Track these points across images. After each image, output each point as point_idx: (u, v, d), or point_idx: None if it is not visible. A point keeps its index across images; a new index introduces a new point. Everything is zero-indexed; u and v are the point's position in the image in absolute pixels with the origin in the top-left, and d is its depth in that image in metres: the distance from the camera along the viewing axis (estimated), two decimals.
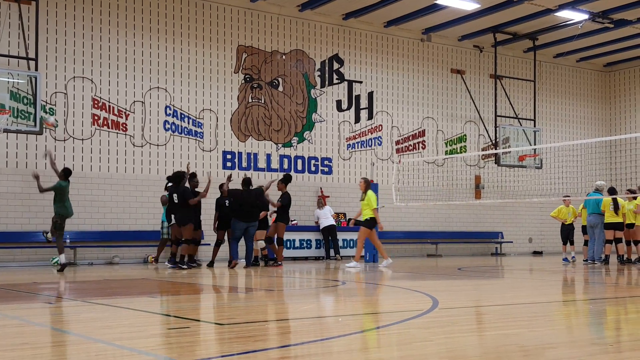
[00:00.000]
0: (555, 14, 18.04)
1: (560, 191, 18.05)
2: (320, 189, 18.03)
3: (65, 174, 12.18)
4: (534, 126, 20.92)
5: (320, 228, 16.82)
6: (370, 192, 13.42)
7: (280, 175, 15.41)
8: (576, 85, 23.29)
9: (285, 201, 13.99)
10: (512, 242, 20.82)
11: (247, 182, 13.52)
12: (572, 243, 15.54)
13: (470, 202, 19.70)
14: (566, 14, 18.11)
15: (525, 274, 12.49)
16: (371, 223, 13.36)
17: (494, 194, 20.40)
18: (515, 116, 20.77)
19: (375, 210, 13.28)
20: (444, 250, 19.68)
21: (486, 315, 6.27)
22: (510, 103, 20.84)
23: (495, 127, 20.15)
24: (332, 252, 16.79)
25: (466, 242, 20.31)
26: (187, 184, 13.26)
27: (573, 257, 15.55)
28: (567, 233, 15.49)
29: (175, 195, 12.84)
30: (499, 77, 20.68)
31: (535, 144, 19.88)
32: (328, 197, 17.90)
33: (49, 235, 12.09)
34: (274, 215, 14.45)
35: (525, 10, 17.97)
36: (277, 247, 14.01)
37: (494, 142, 20.27)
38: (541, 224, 21.27)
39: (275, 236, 14.05)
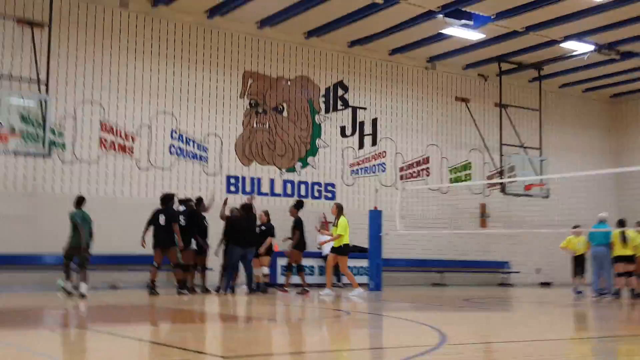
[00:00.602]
0: (560, 44, 18.16)
1: (568, 222, 17.90)
2: (323, 214, 18.00)
3: (76, 202, 12.11)
4: (540, 155, 20.93)
5: (322, 254, 16.75)
6: (342, 218, 13.23)
7: (289, 200, 15.44)
8: (582, 115, 23.31)
9: (299, 226, 13.97)
10: (519, 272, 20.61)
11: (245, 207, 13.56)
12: (582, 275, 15.37)
13: (476, 231, 19.60)
14: (572, 45, 18.22)
15: (535, 307, 12.36)
16: (344, 250, 13.18)
17: (500, 222, 20.31)
18: (521, 145, 20.79)
19: (339, 236, 13.08)
20: (449, 279, 19.53)
21: (498, 353, 6.20)
22: (516, 132, 20.88)
23: (501, 155, 20.18)
24: (334, 279, 16.71)
25: (472, 271, 20.14)
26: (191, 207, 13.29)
27: (579, 291, 15.25)
28: (578, 264, 15.34)
29: (162, 217, 12.72)
30: (504, 105, 20.76)
31: (541, 174, 19.86)
32: (331, 222, 17.85)
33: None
34: (275, 242, 14.38)
35: (530, 40, 18.10)
36: (290, 273, 14.05)
37: (499, 170, 20.27)
38: (549, 254, 21.08)
39: (288, 262, 14.10)
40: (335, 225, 13.29)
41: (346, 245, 13.15)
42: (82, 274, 11.81)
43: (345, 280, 16.79)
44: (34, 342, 6.43)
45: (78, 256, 11.85)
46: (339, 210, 13.36)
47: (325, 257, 16.62)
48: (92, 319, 8.51)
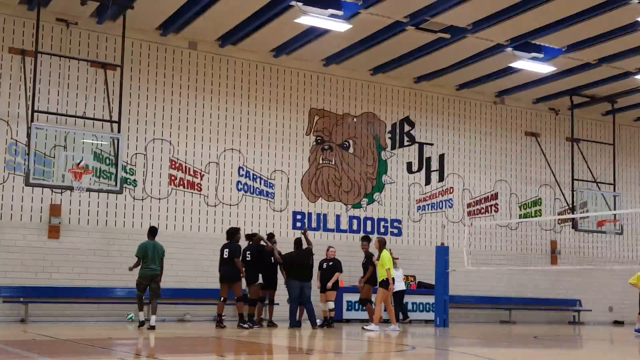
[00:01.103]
0: (635, 76, 17.58)
1: None
2: (390, 250, 17.78)
3: (149, 232, 12.66)
4: (614, 190, 20.14)
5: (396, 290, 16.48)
6: (384, 252, 13.16)
7: (354, 236, 15.43)
8: None
9: (372, 262, 13.87)
10: (591, 310, 19.76)
11: (297, 242, 13.69)
12: None
13: (547, 268, 18.94)
14: None
15: (604, 345, 11.77)
16: (386, 284, 13.02)
17: (571, 259, 19.56)
18: (593, 180, 20.09)
19: (389, 271, 12.96)
20: (518, 316, 18.88)
21: None
22: (588, 167, 20.21)
23: (572, 191, 19.51)
24: (400, 316, 16.42)
25: (542, 309, 19.42)
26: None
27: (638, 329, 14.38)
28: None
29: (226, 251, 12.95)
30: (575, 140, 20.17)
31: (615, 209, 19.09)
32: (398, 259, 17.63)
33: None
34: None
35: (603, 73, 17.60)
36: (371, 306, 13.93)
37: (570, 206, 19.61)
38: (622, 291, 20.07)
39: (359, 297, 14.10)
40: (378, 259, 13.20)
41: (386, 279, 13.04)
42: (153, 306, 12.01)
43: (413, 317, 16.45)
44: None
45: (149, 287, 12.12)
46: (382, 244, 13.28)
47: (398, 292, 16.35)
48: (161, 350, 8.62)
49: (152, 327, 11.92)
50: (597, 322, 19.89)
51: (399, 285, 16.32)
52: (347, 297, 16.34)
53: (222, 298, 12.99)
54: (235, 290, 12.90)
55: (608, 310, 20.28)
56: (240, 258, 13.16)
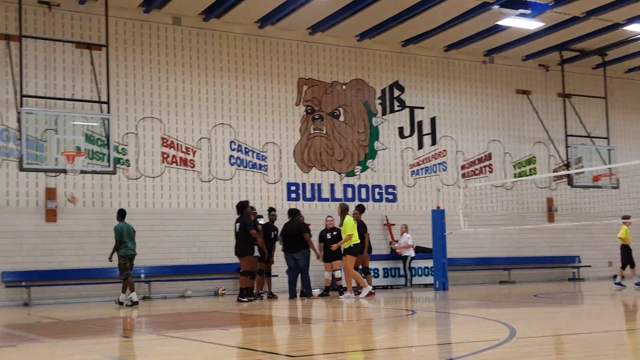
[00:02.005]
0: (624, 28, 17.45)
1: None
2: (386, 217, 17.87)
3: (120, 215, 12.76)
4: (608, 144, 20.15)
5: (402, 255, 16.52)
6: (347, 218, 12.93)
7: (350, 205, 15.42)
8: None
9: (363, 230, 13.88)
10: (590, 266, 19.92)
11: (291, 212, 13.75)
12: (632, 266, 14.74)
13: (544, 226, 19.04)
14: (636, 28, 17.48)
15: (606, 300, 11.91)
16: (355, 250, 12.82)
17: (568, 216, 19.65)
18: (587, 135, 20.08)
19: (349, 237, 12.71)
20: (517, 276, 19.05)
21: (568, 345, 5.98)
22: (581, 122, 20.18)
23: (567, 147, 19.53)
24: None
25: (541, 267, 19.59)
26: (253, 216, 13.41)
27: (618, 282, 14.54)
28: (629, 256, 14.73)
29: (237, 225, 12.94)
30: (567, 95, 20.11)
31: (610, 163, 19.12)
32: (394, 224, 17.72)
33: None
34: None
35: (592, 26, 17.47)
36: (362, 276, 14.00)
37: (565, 162, 19.63)
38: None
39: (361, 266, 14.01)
40: (341, 225, 13.02)
41: (356, 245, 12.87)
42: (131, 284, 12.48)
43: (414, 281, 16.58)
44: (108, 348, 6.61)
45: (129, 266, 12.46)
46: (344, 210, 13.03)
47: (404, 259, 16.47)
48: (164, 326, 8.68)
49: (136, 303, 12.33)
50: (597, 277, 20.07)
51: (410, 252, 16.37)
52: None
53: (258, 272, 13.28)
54: (241, 263, 12.95)
55: (607, 265, 20.44)
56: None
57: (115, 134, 14.65)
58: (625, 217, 15.03)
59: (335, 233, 13.64)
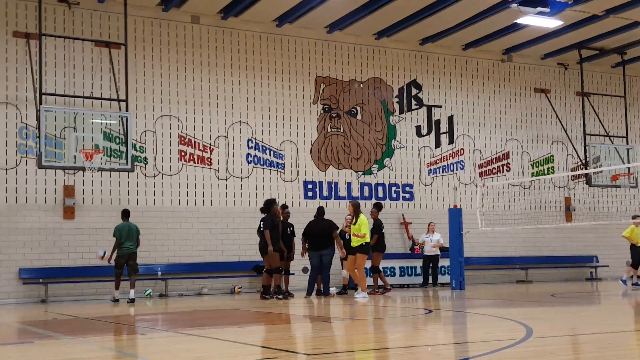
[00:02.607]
0: None
1: None
2: (402, 215, 17.84)
3: (123, 215, 13.26)
4: (627, 143, 19.95)
5: (425, 254, 16.31)
6: (362, 216, 12.56)
7: (366, 203, 15.42)
8: None
9: (379, 229, 13.85)
10: (608, 266, 19.75)
11: (319, 210, 13.67)
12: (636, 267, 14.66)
13: (561, 225, 18.88)
14: None
15: (624, 300, 11.80)
16: (366, 248, 12.53)
17: (586, 215, 19.47)
18: (605, 134, 19.89)
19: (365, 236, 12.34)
20: (534, 275, 18.93)
21: (584, 345, 5.94)
22: (600, 120, 19.99)
23: (585, 146, 19.35)
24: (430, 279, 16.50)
25: (558, 266, 19.45)
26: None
27: (634, 283, 14.49)
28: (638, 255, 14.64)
29: (261, 223, 13.04)
30: (586, 94, 19.93)
31: (628, 162, 18.92)
32: (410, 223, 17.68)
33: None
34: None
35: (611, 24, 17.29)
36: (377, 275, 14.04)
37: (583, 162, 19.46)
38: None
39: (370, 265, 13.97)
40: (355, 223, 12.54)
41: (367, 243, 12.58)
42: (132, 281, 12.98)
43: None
44: (125, 345, 6.67)
45: (127, 264, 13.02)
46: (357, 208, 12.59)
47: (428, 257, 16.24)
48: (180, 323, 8.74)
49: (132, 301, 12.70)
50: (615, 277, 19.86)
51: (432, 250, 16.13)
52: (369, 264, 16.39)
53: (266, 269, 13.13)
54: (265, 261, 13.00)
55: (626, 265, 20.22)
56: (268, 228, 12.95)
57: (133, 131, 14.75)
58: (635, 217, 14.94)
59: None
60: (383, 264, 16.36)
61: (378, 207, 14.26)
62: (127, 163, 14.02)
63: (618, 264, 20.04)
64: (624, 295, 12.79)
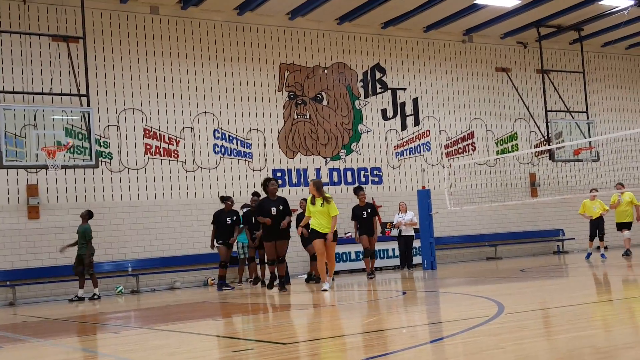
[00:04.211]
0: (599, 2, 17.57)
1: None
2: (372, 199, 17.93)
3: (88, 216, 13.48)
4: (587, 118, 20.35)
5: (401, 234, 15.67)
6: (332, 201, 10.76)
7: (336, 189, 15.34)
8: (627, 72, 22.58)
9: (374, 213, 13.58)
10: (574, 238, 20.21)
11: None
12: (601, 239, 15.05)
13: (527, 201, 19.22)
14: (611, 2, 17.62)
15: (590, 271, 12.09)
16: (336, 234, 11.14)
17: (551, 190, 19.87)
18: (566, 110, 20.25)
19: (335, 218, 10.64)
20: (503, 252, 19.27)
21: (555, 318, 6.08)
22: (560, 97, 20.34)
23: (547, 122, 19.68)
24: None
25: (526, 242, 19.83)
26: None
27: (602, 254, 14.89)
28: (594, 228, 15.02)
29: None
30: (546, 71, 20.23)
31: (589, 137, 19.32)
32: (380, 206, 17.78)
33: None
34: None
35: (568, 1, 17.57)
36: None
37: (546, 138, 19.80)
38: (604, 217, 20.53)
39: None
40: (323, 204, 10.60)
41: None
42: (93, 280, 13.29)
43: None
44: (97, 345, 6.60)
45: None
46: (319, 189, 10.70)
47: (403, 238, 15.56)
48: (153, 319, 8.68)
49: (82, 299, 13.12)
50: (581, 249, 20.33)
51: (407, 230, 15.54)
52: (339, 248, 16.46)
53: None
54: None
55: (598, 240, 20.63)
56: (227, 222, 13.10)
57: (96, 126, 14.52)
58: (592, 190, 15.41)
59: None
60: (354, 247, 16.50)
61: (357, 191, 13.67)
62: (91, 159, 13.80)
63: (583, 236, 20.47)
64: (591, 266, 13.12)
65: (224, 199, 13.41)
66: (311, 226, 10.76)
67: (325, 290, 10.39)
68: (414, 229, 15.82)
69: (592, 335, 4.80)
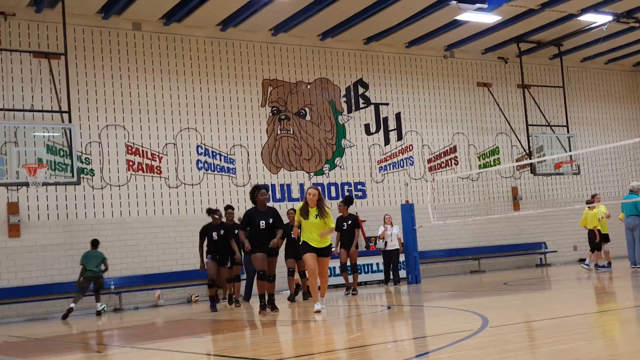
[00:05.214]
0: (578, 18, 17.84)
1: (602, 195, 17.54)
2: (356, 213, 17.94)
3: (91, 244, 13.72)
4: (567, 132, 20.61)
5: (386, 248, 15.25)
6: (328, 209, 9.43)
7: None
8: (606, 87, 22.92)
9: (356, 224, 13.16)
10: (556, 251, 20.37)
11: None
12: (599, 249, 15.12)
13: (510, 214, 19.38)
14: (590, 17, 17.89)
15: (573, 284, 12.18)
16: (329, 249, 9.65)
17: (533, 204, 20.05)
18: (547, 124, 20.49)
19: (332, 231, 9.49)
20: (486, 265, 19.35)
21: (539, 331, 6.10)
22: (541, 111, 20.59)
23: (528, 136, 19.90)
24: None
25: (509, 255, 19.93)
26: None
27: (600, 265, 15.00)
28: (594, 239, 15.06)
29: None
30: (526, 86, 20.48)
31: (570, 150, 19.55)
32: (364, 221, 17.82)
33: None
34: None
35: (547, 17, 17.82)
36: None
37: (527, 152, 20.01)
38: (585, 230, 20.72)
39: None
40: (321, 216, 9.32)
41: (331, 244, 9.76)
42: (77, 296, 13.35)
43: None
44: None
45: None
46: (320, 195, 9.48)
47: (388, 252, 15.09)
48: (136, 338, 8.59)
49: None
50: (563, 262, 20.51)
51: (393, 245, 15.17)
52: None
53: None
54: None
55: (573, 250, 20.92)
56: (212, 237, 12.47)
57: (77, 143, 14.43)
58: (588, 202, 15.43)
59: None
60: (337, 262, 16.36)
61: (347, 202, 13.02)
62: (72, 176, 13.70)
63: (565, 249, 20.71)
64: (579, 278, 13.21)
65: (210, 211, 12.39)
66: (302, 239, 9.45)
67: (318, 311, 9.11)
68: (401, 242, 15.50)
69: (575, 348, 4.83)
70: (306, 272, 9.84)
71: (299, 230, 9.49)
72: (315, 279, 9.38)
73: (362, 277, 16.88)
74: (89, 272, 13.22)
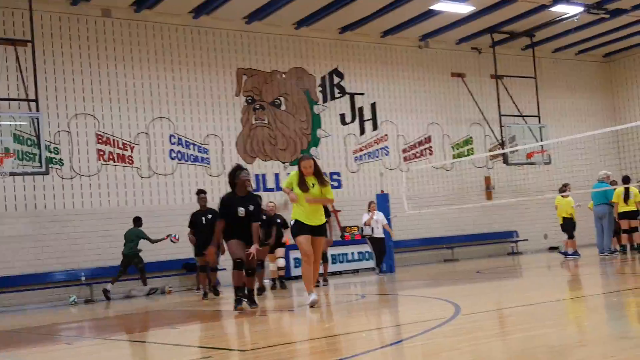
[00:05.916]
0: (550, 9, 17.98)
1: (573, 185, 17.77)
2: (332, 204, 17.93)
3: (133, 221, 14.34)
4: (539, 122, 20.82)
5: (374, 235, 14.86)
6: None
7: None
8: (577, 78, 23.17)
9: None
10: (527, 240, 20.61)
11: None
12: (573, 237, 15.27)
13: (482, 204, 19.53)
14: (561, 8, 18.05)
15: (544, 272, 12.33)
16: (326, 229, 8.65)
17: (505, 193, 20.23)
18: (519, 114, 20.67)
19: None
20: (460, 254, 19.50)
21: (510, 318, 6.15)
22: (514, 102, 20.74)
23: (501, 126, 20.05)
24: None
25: (481, 244, 20.12)
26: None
27: (573, 252, 15.19)
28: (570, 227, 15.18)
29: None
30: (499, 77, 20.61)
31: (541, 140, 19.76)
32: (340, 211, 17.81)
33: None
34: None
35: (520, 8, 17.92)
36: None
37: (500, 142, 20.16)
38: (555, 219, 20.97)
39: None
40: (321, 183, 8.18)
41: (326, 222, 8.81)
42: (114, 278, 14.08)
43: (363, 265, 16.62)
44: (50, 357, 6.39)
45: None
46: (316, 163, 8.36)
47: (377, 240, 14.73)
48: (108, 330, 8.46)
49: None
50: (534, 250, 20.78)
51: (380, 232, 14.80)
52: (295, 254, 16.38)
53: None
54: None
55: (543, 238, 21.20)
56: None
57: (46, 132, 14.14)
58: (561, 189, 15.58)
59: (279, 221, 12.62)
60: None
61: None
62: (40, 166, 13.43)
63: (536, 238, 20.98)
64: (550, 266, 13.37)
65: (198, 192, 12.04)
66: (294, 217, 8.22)
67: (312, 305, 8.00)
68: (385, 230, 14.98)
69: (545, 334, 4.86)
70: (301, 257, 8.32)
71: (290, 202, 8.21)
72: (310, 265, 8.11)
73: (336, 267, 16.89)
74: (124, 255, 14.02)
